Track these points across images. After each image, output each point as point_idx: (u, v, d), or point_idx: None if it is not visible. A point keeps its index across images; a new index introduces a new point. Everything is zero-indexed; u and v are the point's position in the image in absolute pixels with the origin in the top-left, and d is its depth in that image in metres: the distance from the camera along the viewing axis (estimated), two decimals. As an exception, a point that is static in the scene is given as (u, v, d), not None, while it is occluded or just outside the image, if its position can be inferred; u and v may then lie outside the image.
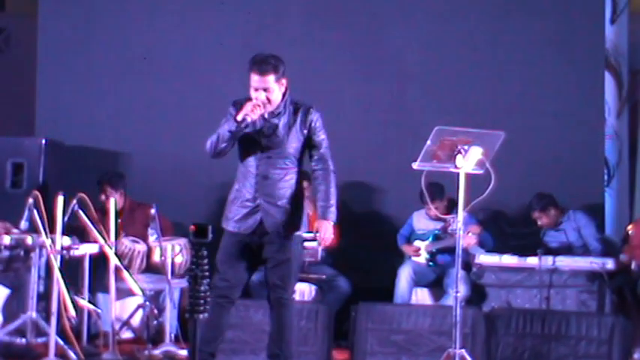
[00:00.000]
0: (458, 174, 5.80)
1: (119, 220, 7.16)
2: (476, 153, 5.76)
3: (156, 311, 7.11)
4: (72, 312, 6.27)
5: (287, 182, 5.57)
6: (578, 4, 8.25)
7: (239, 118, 5.39)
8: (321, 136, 5.62)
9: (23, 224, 6.41)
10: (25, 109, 8.86)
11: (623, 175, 8.47)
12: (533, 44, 8.28)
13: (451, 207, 7.63)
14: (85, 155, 8.59)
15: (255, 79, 5.48)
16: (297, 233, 5.65)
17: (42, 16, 8.89)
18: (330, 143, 5.67)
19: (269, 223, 5.54)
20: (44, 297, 6.70)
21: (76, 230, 6.80)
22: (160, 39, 8.70)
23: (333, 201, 5.63)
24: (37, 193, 6.40)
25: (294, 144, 5.56)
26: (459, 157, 5.75)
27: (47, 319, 6.44)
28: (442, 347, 6.16)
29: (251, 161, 5.56)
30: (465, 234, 6.56)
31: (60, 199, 6.35)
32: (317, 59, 8.55)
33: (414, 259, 7.92)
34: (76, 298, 6.55)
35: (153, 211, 6.89)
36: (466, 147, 5.75)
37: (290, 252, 5.60)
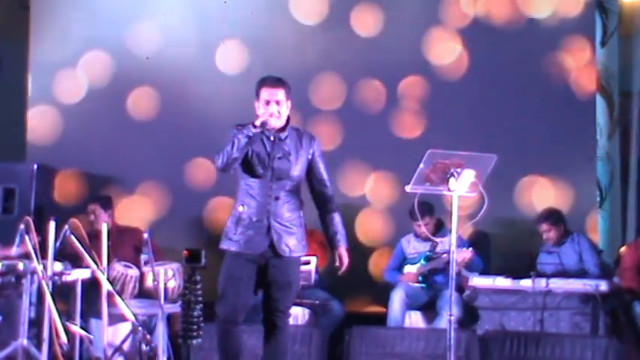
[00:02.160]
0: (450, 197, 5.81)
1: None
2: (469, 176, 5.77)
3: (148, 336, 7.06)
4: (64, 338, 6.21)
5: (294, 204, 5.61)
6: (569, 27, 8.27)
7: (257, 123, 5.45)
8: (322, 165, 5.72)
9: (15, 250, 6.38)
10: (16, 135, 8.83)
11: (614, 197, 8.46)
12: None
13: (439, 226, 7.75)
14: (77, 180, 8.59)
15: (266, 93, 5.56)
16: (299, 256, 5.67)
17: (33, 41, 8.90)
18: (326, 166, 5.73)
19: (280, 246, 5.54)
20: (36, 323, 6.65)
21: (68, 256, 6.76)
22: (153, 63, 8.69)
23: (343, 229, 5.77)
24: (28, 218, 6.37)
25: (300, 167, 5.63)
26: (451, 180, 5.76)
27: (39, 346, 6.39)
28: (436, 371, 6.16)
29: (261, 183, 5.56)
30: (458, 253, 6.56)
31: (52, 225, 6.32)
32: (314, 85, 8.56)
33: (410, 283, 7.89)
34: (67, 324, 6.49)
35: (146, 235, 6.86)
36: (459, 170, 5.76)
37: (294, 275, 5.63)
